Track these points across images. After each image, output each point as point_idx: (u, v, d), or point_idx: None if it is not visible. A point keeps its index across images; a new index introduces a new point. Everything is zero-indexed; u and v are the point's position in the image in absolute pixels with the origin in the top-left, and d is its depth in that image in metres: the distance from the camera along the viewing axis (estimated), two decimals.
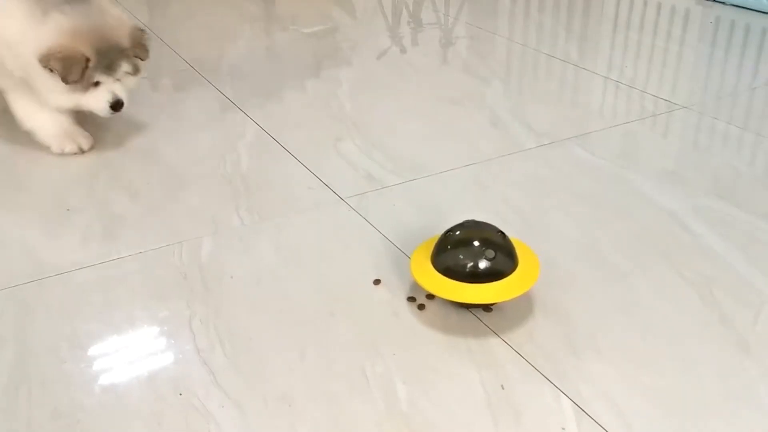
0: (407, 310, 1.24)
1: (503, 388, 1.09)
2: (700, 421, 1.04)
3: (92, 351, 1.16)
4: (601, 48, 2.53)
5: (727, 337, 1.19)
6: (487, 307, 1.23)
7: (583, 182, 1.64)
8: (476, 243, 1.20)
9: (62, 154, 1.72)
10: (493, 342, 1.18)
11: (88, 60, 1.56)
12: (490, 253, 1.18)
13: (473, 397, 1.08)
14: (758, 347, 1.16)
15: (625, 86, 2.19)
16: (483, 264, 1.18)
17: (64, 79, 1.55)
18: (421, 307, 1.24)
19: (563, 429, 1.03)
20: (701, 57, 2.47)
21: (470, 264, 1.18)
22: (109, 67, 1.61)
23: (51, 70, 1.55)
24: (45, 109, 1.67)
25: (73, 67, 1.54)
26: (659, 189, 1.61)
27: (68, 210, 1.54)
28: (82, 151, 1.73)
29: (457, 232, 1.23)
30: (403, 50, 2.53)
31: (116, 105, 1.65)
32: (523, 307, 1.24)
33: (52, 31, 1.54)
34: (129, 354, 1.17)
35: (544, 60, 2.44)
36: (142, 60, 1.68)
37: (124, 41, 1.63)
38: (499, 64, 2.42)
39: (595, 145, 1.81)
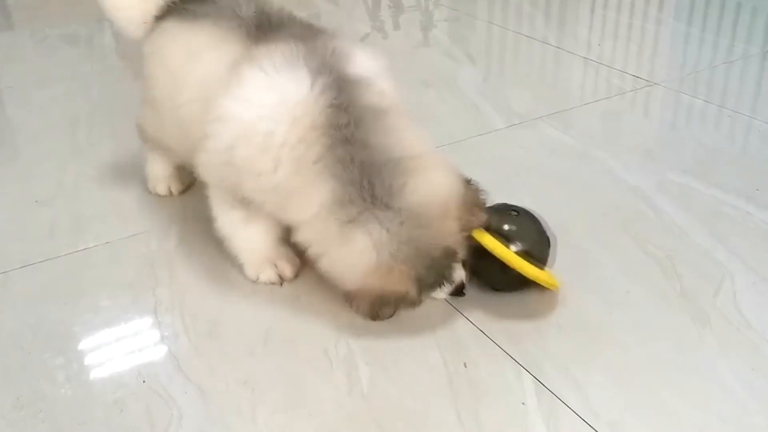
0: None
1: (466, 367, 1.10)
2: (655, 394, 1.05)
3: (56, 341, 1.17)
4: (578, 28, 2.53)
5: (687, 311, 1.20)
6: (461, 292, 1.22)
7: (551, 161, 1.65)
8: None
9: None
10: (457, 321, 1.19)
11: (406, 294, 1.13)
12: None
13: (435, 376, 1.09)
14: (717, 320, 1.17)
15: (599, 65, 2.19)
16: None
17: (371, 317, 1.16)
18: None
19: (523, 404, 1.04)
20: (677, 34, 2.47)
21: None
22: (438, 284, 1.15)
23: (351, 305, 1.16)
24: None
25: (384, 309, 1.14)
26: (627, 166, 1.62)
27: (36, 202, 1.54)
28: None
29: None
30: (384, 35, 2.53)
31: (457, 291, 1.20)
32: (486, 287, 1.24)
33: (360, 257, 1.10)
34: (93, 343, 1.17)
35: (521, 41, 2.44)
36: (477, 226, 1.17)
37: (454, 236, 1.13)
38: (477, 46, 2.41)
39: (566, 124, 1.82)
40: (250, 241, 1.26)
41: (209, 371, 1.10)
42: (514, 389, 1.06)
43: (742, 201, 1.47)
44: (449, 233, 1.12)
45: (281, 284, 1.27)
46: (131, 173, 1.62)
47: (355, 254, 1.10)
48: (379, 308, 1.14)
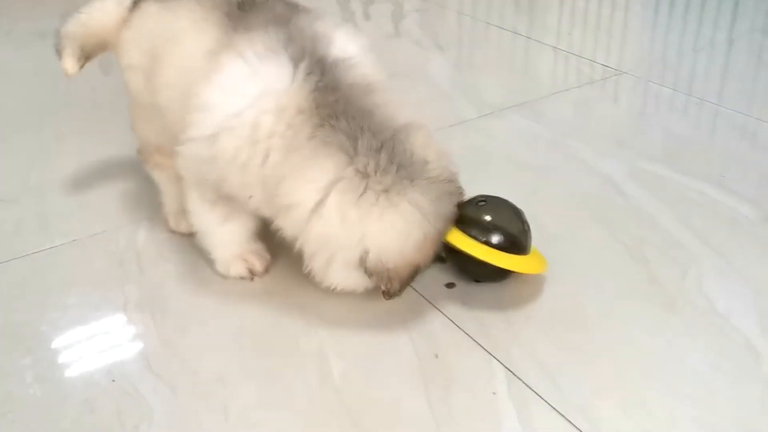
0: None
1: (437, 357, 1.11)
2: (624, 380, 1.06)
3: (24, 341, 1.15)
4: (548, 17, 2.54)
5: (655, 296, 1.21)
6: (441, 258, 1.21)
7: (522, 150, 1.66)
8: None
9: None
10: (428, 312, 1.19)
11: (419, 268, 1.12)
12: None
13: (406, 367, 1.09)
14: (684, 305, 1.19)
15: (569, 54, 2.20)
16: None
17: (385, 293, 1.12)
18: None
19: (494, 393, 1.04)
20: (645, 22, 2.49)
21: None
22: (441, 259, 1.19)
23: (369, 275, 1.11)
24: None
25: (403, 284, 1.12)
26: (597, 154, 1.63)
27: (1, 200, 1.52)
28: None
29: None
30: (354, 25, 2.52)
31: (439, 258, 1.21)
32: (457, 278, 1.25)
33: (410, 229, 1.07)
34: (61, 342, 1.16)
35: (491, 31, 2.44)
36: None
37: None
38: (448, 36, 2.41)
39: (536, 114, 1.83)
40: (226, 238, 1.25)
41: (180, 368, 1.09)
42: (484, 378, 1.07)
43: (708, 187, 1.49)
44: (457, 199, 1.15)
45: (252, 279, 1.26)
46: (99, 170, 1.61)
47: (404, 226, 1.06)
48: (401, 284, 1.11)
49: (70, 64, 1.32)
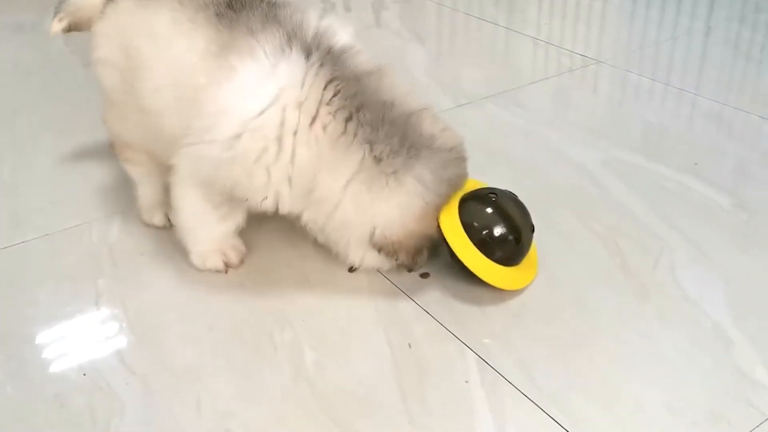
0: (318, 276, 1.25)
1: (410, 347, 1.11)
2: (597, 367, 1.07)
3: None
4: (527, 8, 2.54)
5: (628, 286, 1.22)
6: (425, 274, 1.24)
7: (497, 140, 1.66)
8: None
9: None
10: (403, 303, 1.19)
11: (427, 237, 1.19)
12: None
13: (380, 357, 1.09)
14: (656, 293, 1.20)
15: (548, 45, 2.20)
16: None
17: (411, 267, 1.22)
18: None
19: (467, 382, 1.05)
20: (623, 13, 2.49)
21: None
22: None
23: (380, 250, 1.18)
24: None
25: (410, 255, 1.18)
26: (573, 144, 1.63)
27: None
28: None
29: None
30: (336, 16, 2.50)
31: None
32: (431, 268, 1.25)
33: (412, 200, 1.14)
34: (33, 337, 1.15)
35: (471, 22, 2.43)
36: None
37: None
38: (427, 27, 2.41)
39: (514, 103, 1.83)
40: (216, 235, 1.24)
41: (153, 362, 1.09)
42: (458, 368, 1.07)
43: (682, 176, 1.50)
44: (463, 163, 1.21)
45: (226, 271, 1.26)
46: (71, 165, 1.59)
47: (406, 199, 1.13)
48: (419, 254, 1.18)
49: (55, 26, 1.37)
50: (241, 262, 1.27)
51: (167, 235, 1.34)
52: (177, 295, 1.22)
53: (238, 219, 1.24)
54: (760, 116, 1.73)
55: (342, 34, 1.18)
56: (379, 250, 1.17)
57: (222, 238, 1.25)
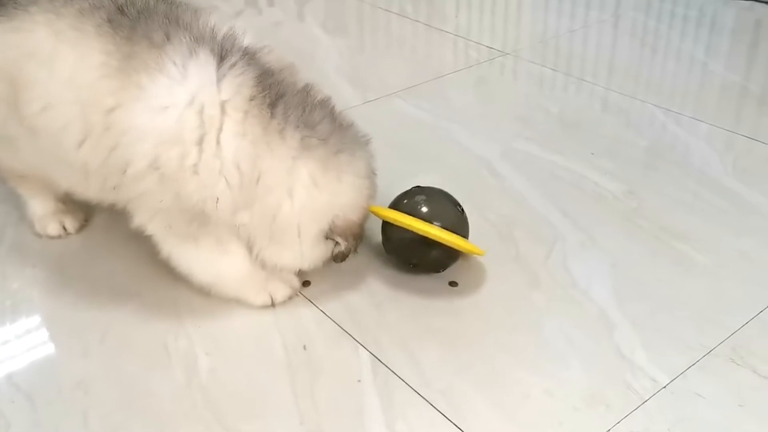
0: None
1: (305, 349, 1.11)
2: (486, 358, 1.09)
3: None
4: (438, 1, 2.55)
5: (521, 275, 1.25)
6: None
7: (402, 135, 1.67)
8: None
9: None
10: (299, 304, 1.19)
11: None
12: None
13: (275, 360, 1.09)
14: (546, 281, 1.23)
15: (457, 37, 2.22)
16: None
17: (343, 256, 1.19)
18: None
19: (359, 381, 1.06)
20: (536, 4, 2.53)
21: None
22: None
23: (331, 240, 1.17)
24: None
25: (358, 242, 1.22)
26: (473, 136, 1.66)
27: None
28: None
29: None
30: (258, 11, 2.48)
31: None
32: (329, 268, 1.25)
33: (349, 194, 1.16)
34: None
35: (378, 15, 2.44)
36: None
37: None
38: (343, 22, 2.40)
39: (418, 98, 1.84)
40: (243, 269, 1.18)
41: (39, 377, 1.07)
42: (351, 367, 1.08)
43: (578, 165, 1.54)
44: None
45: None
46: None
47: (360, 178, 1.16)
48: (356, 243, 1.20)
49: None
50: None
51: (61, 245, 1.31)
52: (68, 307, 1.19)
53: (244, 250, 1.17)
54: (655, 105, 1.79)
55: (242, 35, 1.16)
56: (334, 236, 1.15)
57: (247, 266, 1.18)
